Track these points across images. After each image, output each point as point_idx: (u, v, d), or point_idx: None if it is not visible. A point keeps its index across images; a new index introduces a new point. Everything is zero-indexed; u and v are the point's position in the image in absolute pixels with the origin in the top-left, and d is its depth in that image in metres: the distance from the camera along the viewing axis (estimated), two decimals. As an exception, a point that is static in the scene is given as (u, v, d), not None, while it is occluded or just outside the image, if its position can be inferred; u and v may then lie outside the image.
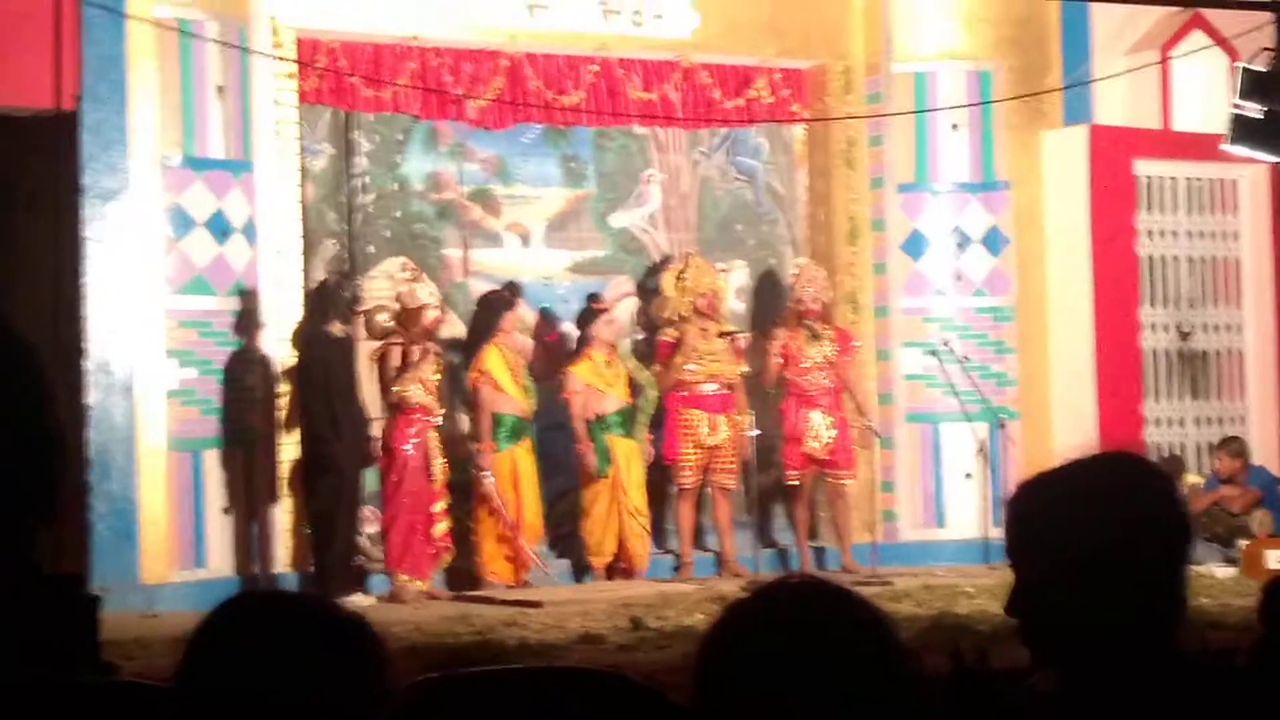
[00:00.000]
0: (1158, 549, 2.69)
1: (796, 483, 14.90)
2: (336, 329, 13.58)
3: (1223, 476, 15.32)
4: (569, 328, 15.19)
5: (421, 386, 13.39)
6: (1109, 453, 2.79)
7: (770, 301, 15.87)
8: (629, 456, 14.42)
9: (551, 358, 14.86)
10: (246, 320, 13.32)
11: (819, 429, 14.77)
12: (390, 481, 13.39)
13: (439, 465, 13.42)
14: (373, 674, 2.37)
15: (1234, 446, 15.52)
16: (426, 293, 13.64)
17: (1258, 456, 15.86)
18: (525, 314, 14.76)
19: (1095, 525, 2.67)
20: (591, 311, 14.61)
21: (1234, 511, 15.08)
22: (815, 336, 14.69)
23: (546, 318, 15.24)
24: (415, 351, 13.43)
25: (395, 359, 13.46)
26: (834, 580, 2.52)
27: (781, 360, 14.84)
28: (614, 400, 14.39)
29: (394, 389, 13.40)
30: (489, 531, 13.94)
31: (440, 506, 13.48)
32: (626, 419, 14.51)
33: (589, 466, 14.29)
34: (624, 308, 15.45)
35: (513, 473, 13.93)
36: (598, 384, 14.35)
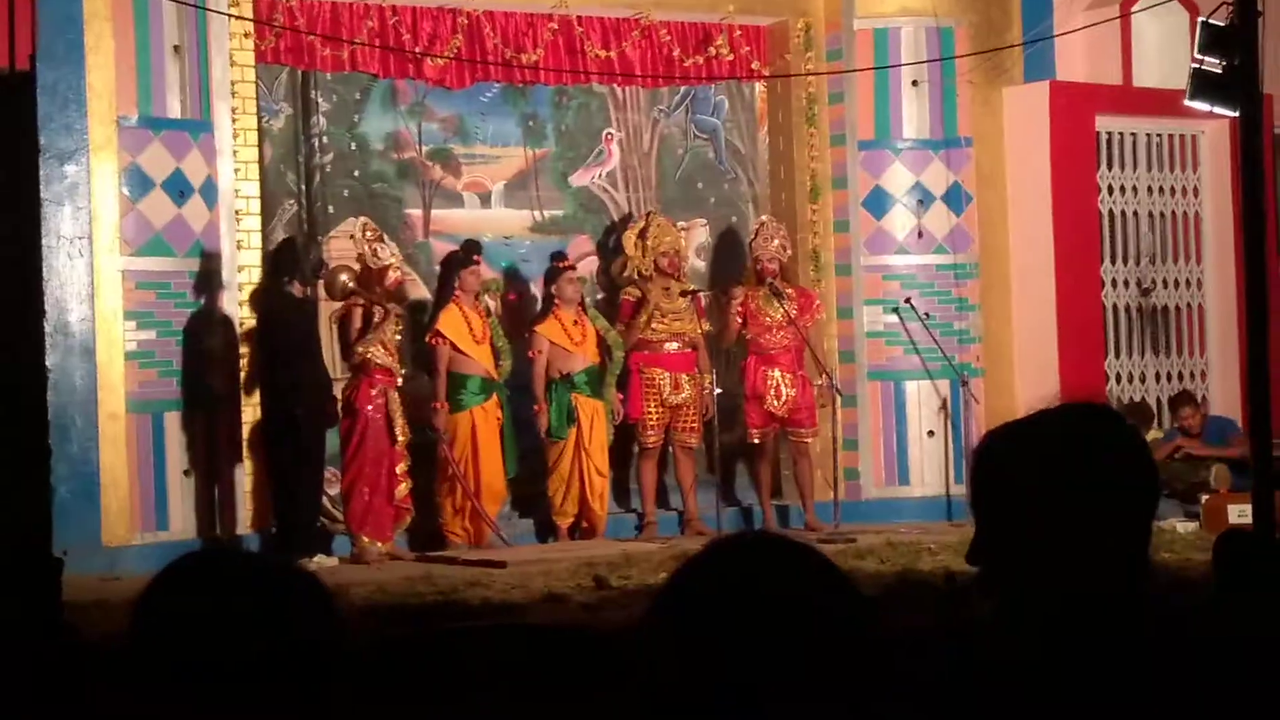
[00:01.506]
0: (1124, 500, 2.67)
1: (758, 441, 14.91)
2: (297, 290, 13.53)
3: (1193, 431, 15.37)
4: (530, 287, 15.17)
5: (383, 348, 13.34)
6: (1076, 403, 2.77)
7: (730, 260, 15.84)
8: (594, 417, 14.39)
9: (513, 318, 14.82)
10: (206, 281, 13.25)
11: (780, 387, 14.77)
12: (352, 443, 13.35)
13: (400, 426, 13.38)
14: (325, 632, 2.35)
15: (1192, 400, 15.64)
16: (388, 253, 13.58)
17: (1219, 410, 15.94)
18: (486, 272, 14.68)
19: (1061, 475, 2.65)
20: (557, 270, 14.57)
21: (1199, 456, 15.14)
22: (775, 295, 14.67)
23: (507, 277, 15.20)
24: (377, 312, 13.38)
25: (357, 320, 13.41)
26: (794, 536, 2.50)
27: (740, 319, 14.83)
28: (580, 359, 14.36)
29: (356, 350, 13.35)
30: (450, 492, 13.92)
31: (402, 468, 13.44)
32: (594, 379, 14.48)
33: (542, 428, 14.26)
34: (584, 267, 15.41)
35: (471, 434, 13.88)
36: (564, 343, 14.31)
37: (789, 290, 14.80)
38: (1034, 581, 2.65)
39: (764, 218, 15.39)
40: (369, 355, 13.29)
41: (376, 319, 13.35)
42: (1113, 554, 2.64)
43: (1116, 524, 2.65)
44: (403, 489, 13.44)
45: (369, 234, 13.67)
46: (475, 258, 14.11)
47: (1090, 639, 2.60)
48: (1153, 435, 15.48)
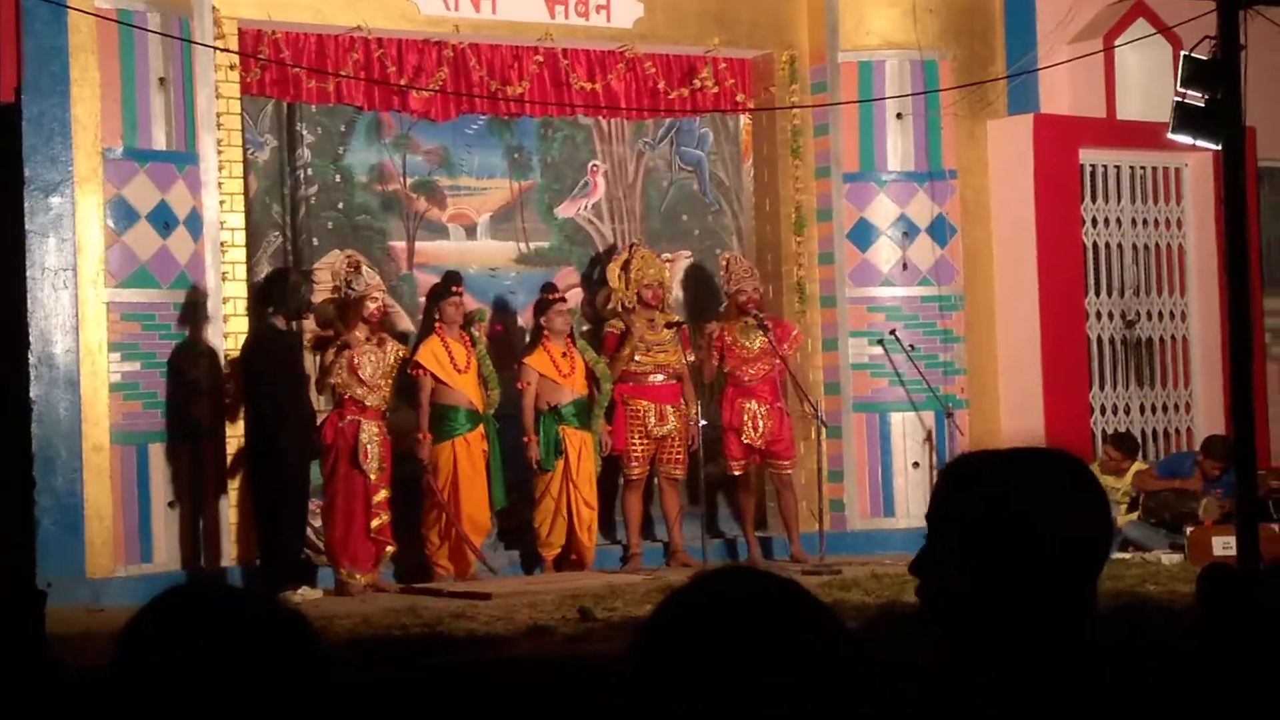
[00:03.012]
0: (1076, 548, 2.68)
1: (739, 473, 14.92)
2: (281, 321, 13.53)
3: (1212, 478, 15.09)
4: (517, 319, 15.19)
5: (358, 379, 13.33)
6: (1035, 448, 2.79)
7: (712, 292, 15.86)
8: (581, 448, 14.38)
9: (500, 349, 14.82)
10: (191, 313, 13.24)
11: (757, 419, 14.77)
12: (328, 474, 13.35)
13: (375, 458, 13.34)
14: (306, 669, 2.35)
15: (1220, 448, 15.27)
16: (363, 284, 13.56)
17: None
18: (470, 303, 14.65)
19: (1020, 514, 2.66)
20: (547, 302, 14.57)
21: (1154, 490, 15.10)
22: (760, 327, 14.67)
23: (494, 309, 15.19)
24: (356, 343, 13.38)
25: (330, 352, 13.42)
26: (778, 569, 2.51)
27: (718, 352, 14.85)
28: (569, 391, 14.35)
29: (327, 380, 13.36)
30: (435, 524, 13.90)
31: (380, 499, 13.40)
32: (582, 410, 14.47)
33: (532, 459, 14.26)
34: (569, 298, 15.41)
35: (452, 464, 13.87)
36: (553, 375, 14.30)
37: (766, 321, 14.80)
38: (976, 617, 2.66)
39: (729, 254, 15.39)
40: (346, 386, 13.29)
41: (356, 349, 13.32)
42: (1057, 598, 2.65)
43: (1067, 567, 2.66)
44: (378, 521, 13.37)
45: (347, 266, 13.67)
46: (456, 289, 14.10)
47: (1029, 676, 2.61)
48: (1137, 467, 15.48)
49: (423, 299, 14.74)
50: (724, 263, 15.22)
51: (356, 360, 13.32)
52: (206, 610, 2.37)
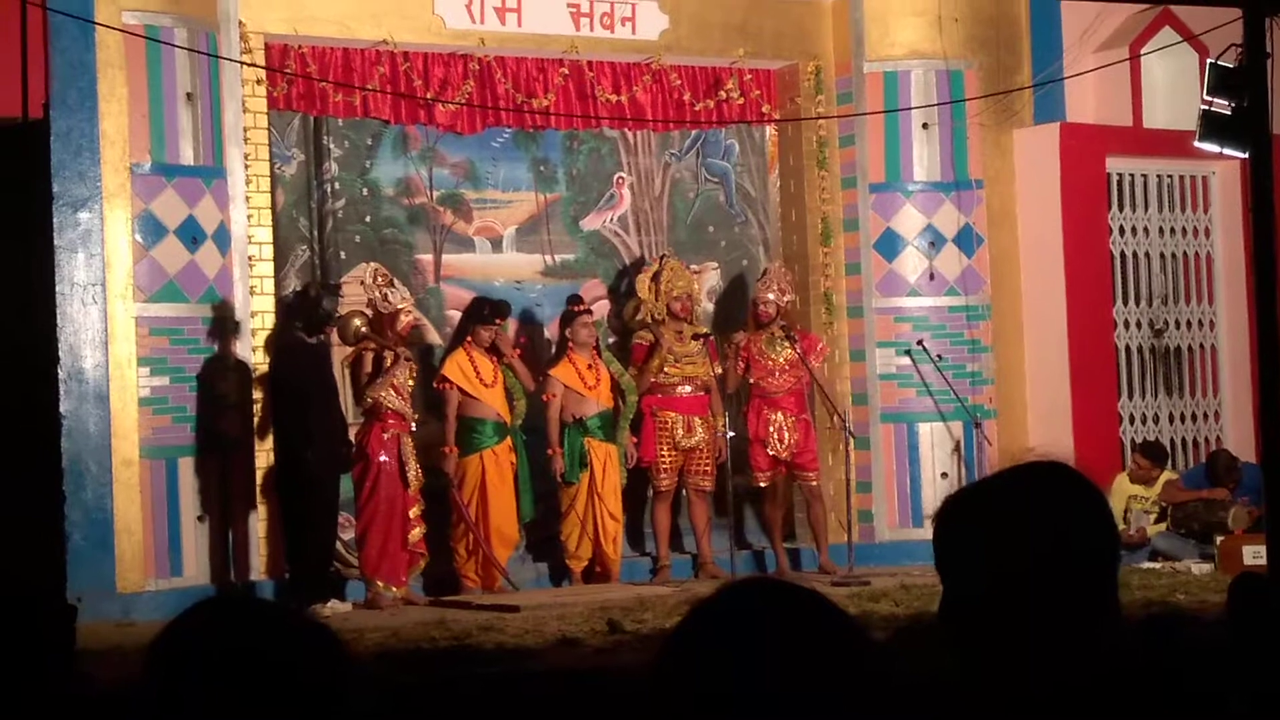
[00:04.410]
0: (1082, 557, 2.68)
1: (766, 485, 14.91)
2: (309, 335, 13.55)
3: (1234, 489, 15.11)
4: (543, 331, 15.21)
5: (395, 392, 13.35)
6: (1037, 463, 2.78)
7: (738, 304, 15.85)
8: (607, 461, 14.39)
9: (526, 362, 14.82)
10: (219, 327, 13.27)
11: (782, 430, 14.76)
12: (365, 488, 13.35)
13: (413, 471, 13.38)
14: (336, 681, 2.36)
15: (1225, 461, 15.34)
16: (399, 297, 13.59)
17: (1234, 452, 15.87)
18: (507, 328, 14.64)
19: (1020, 539, 2.66)
20: (572, 314, 14.58)
21: (1183, 501, 15.07)
22: (787, 338, 14.67)
23: (520, 321, 15.20)
24: (388, 357, 13.40)
25: (368, 365, 13.42)
26: (803, 581, 2.52)
27: (743, 363, 14.85)
28: (594, 403, 14.36)
29: (367, 395, 13.36)
30: (462, 537, 13.92)
31: (415, 512, 13.43)
32: (607, 422, 14.47)
33: (556, 472, 14.26)
34: (596, 310, 15.41)
35: (480, 477, 13.88)
36: (578, 387, 14.31)
37: (792, 332, 14.79)
38: (998, 638, 2.66)
39: (773, 264, 15.41)
40: (380, 400, 13.31)
41: (388, 363, 13.37)
42: (1074, 610, 2.65)
43: (1076, 581, 2.66)
44: (416, 534, 13.43)
45: (380, 279, 13.68)
46: (498, 320, 14.12)
47: (1052, 690, 2.61)
48: (1167, 476, 15.44)
49: (450, 312, 14.76)
50: (763, 272, 15.23)
51: (395, 374, 13.35)
52: (238, 622, 2.37)
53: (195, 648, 2.33)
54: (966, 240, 15.77)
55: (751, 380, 14.87)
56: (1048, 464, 2.77)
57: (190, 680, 2.30)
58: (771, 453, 14.76)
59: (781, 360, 14.76)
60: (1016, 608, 2.64)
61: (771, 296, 14.79)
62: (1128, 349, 16.46)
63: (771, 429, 14.75)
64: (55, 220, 12.67)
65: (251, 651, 2.32)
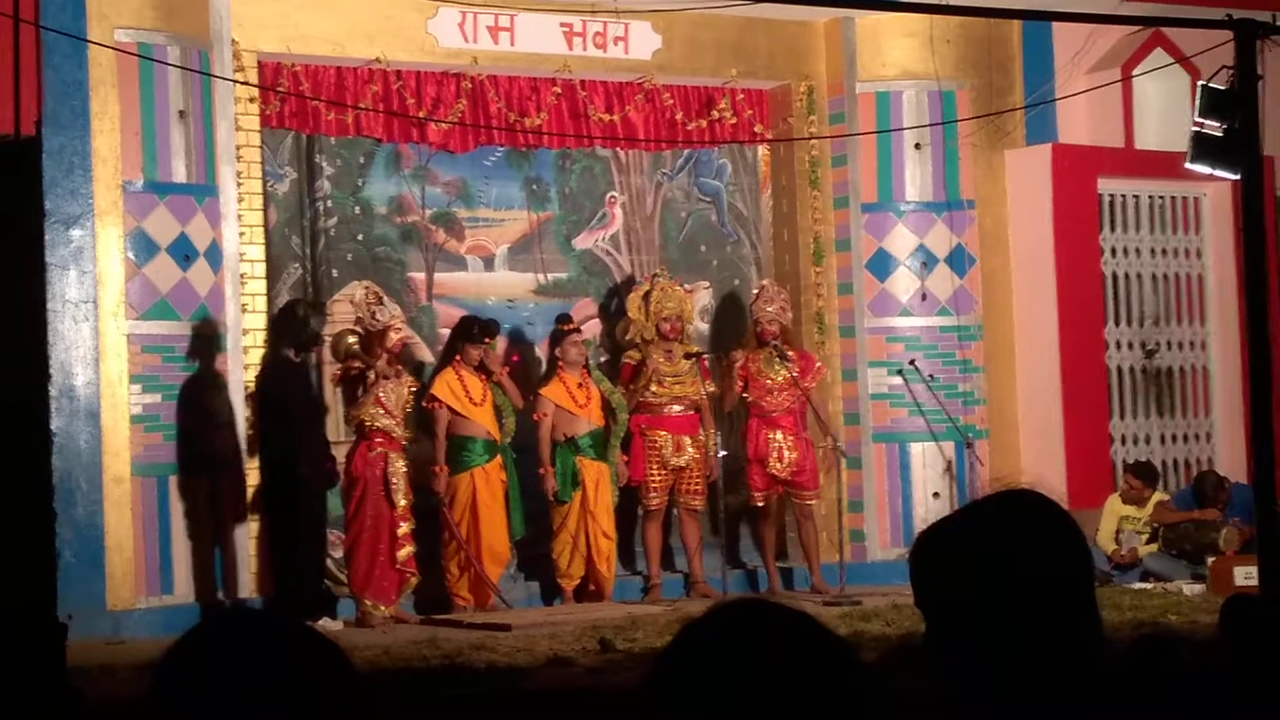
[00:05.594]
0: (1057, 589, 2.68)
1: (762, 504, 14.90)
2: (293, 353, 13.55)
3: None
4: (534, 350, 15.20)
5: (383, 410, 13.34)
6: (1005, 493, 2.78)
7: (732, 323, 15.86)
8: (598, 479, 14.38)
9: (517, 381, 14.82)
10: (210, 345, 13.26)
11: (782, 450, 14.76)
12: (351, 505, 13.34)
13: (402, 490, 13.35)
14: (344, 698, 2.36)
15: (1212, 481, 15.37)
16: (387, 315, 13.58)
17: (1225, 473, 15.88)
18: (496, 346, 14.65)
19: (992, 571, 2.67)
20: (561, 333, 14.59)
21: (1173, 521, 15.07)
22: (780, 357, 14.67)
23: (511, 340, 15.21)
24: (372, 375, 13.38)
25: (358, 383, 13.42)
26: (795, 601, 2.52)
27: (742, 382, 14.84)
28: (585, 422, 14.36)
29: (356, 412, 13.36)
30: (454, 555, 13.90)
31: (405, 530, 13.40)
32: (598, 441, 14.47)
33: (549, 491, 14.26)
34: (587, 329, 15.42)
35: (471, 495, 13.88)
36: (569, 406, 14.31)
37: (790, 352, 14.80)
38: (980, 667, 2.67)
39: (764, 281, 15.43)
40: (370, 418, 13.29)
41: (370, 380, 13.34)
42: (1051, 636, 2.66)
43: (1051, 607, 2.66)
44: (405, 552, 13.38)
45: (369, 297, 13.68)
46: (488, 340, 14.11)
47: (1035, 715, 2.62)
48: (1158, 496, 15.45)
49: (442, 331, 14.76)
50: (756, 290, 15.22)
51: (381, 392, 13.33)
52: (247, 637, 2.37)
53: (206, 662, 2.33)
54: (958, 260, 15.78)
55: (750, 399, 14.86)
56: (1017, 492, 2.77)
57: (202, 695, 2.30)
58: (772, 472, 14.74)
59: (779, 379, 14.75)
60: (995, 637, 2.65)
61: (772, 310, 14.79)
62: (1119, 369, 16.47)
63: (772, 448, 14.74)
64: (47, 237, 12.64)
65: (263, 665, 2.32)
